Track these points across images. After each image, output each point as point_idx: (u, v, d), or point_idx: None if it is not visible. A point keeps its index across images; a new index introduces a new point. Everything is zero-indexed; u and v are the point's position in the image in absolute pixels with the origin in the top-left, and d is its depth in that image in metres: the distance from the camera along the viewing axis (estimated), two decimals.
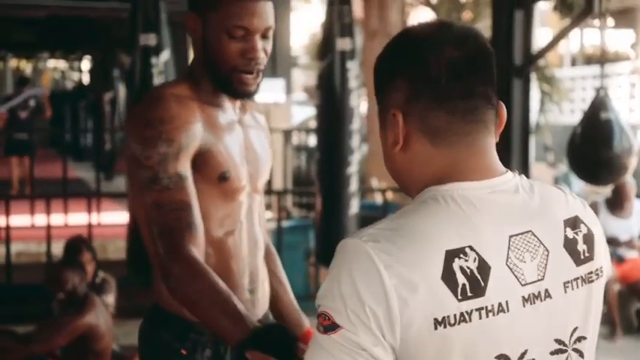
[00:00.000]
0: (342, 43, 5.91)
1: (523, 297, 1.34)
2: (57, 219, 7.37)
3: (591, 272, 1.43)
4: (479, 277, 1.31)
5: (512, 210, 1.38)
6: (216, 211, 2.09)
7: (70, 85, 28.46)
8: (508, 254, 1.34)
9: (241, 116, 2.18)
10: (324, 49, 6.01)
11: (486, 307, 1.30)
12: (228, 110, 2.14)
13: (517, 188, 1.41)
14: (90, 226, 7.18)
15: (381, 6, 10.86)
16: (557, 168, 12.24)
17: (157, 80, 5.45)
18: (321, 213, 6.03)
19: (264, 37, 2.08)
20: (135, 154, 2.00)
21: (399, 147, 1.41)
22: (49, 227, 6.92)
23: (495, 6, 6.35)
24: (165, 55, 5.49)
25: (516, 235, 1.36)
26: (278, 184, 9.49)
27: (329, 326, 1.29)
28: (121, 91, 16.31)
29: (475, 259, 1.31)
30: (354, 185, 6.05)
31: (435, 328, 1.28)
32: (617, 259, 7.01)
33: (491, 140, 1.43)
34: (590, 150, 5.49)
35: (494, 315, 1.31)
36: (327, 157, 6.08)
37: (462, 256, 1.31)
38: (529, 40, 6.19)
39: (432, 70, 1.37)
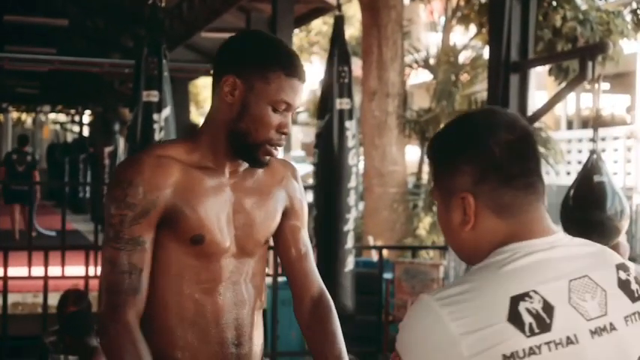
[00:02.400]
0: (341, 103, 6.02)
1: (590, 330, 1.51)
2: (54, 270, 7.39)
3: None
4: (544, 315, 1.48)
5: (568, 259, 1.57)
6: (192, 270, 2.15)
7: (70, 138, 28.61)
8: (569, 295, 1.52)
9: (236, 180, 2.22)
10: (323, 108, 6.11)
11: (554, 341, 1.47)
12: (219, 174, 2.19)
13: (570, 243, 1.61)
14: (87, 277, 7.21)
15: (380, 67, 11.01)
16: None
17: (158, 136, 5.54)
18: (318, 269, 6.07)
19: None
20: (105, 209, 2.13)
21: (469, 226, 1.57)
22: (46, 278, 6.95)
23: (491, 69, 6.47)
24: (167, 111, 5.58)
25: (575, 279, 1.54)
26: None
27: None
28: (121, 144, 16.46)
29: (539, 300, 1.49)
30: (350, 242, 6.11)
31: None
32: None
33: (544, 208, 1.62)
34: (583, 212, 5.55)
35: (563, 347, 1.48)
36: (324, 214, 6.15)
37: (526, 299, 1.48)
38: (525, 104, 6.29)
39: (495, 155, 1.55)
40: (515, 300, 1.47)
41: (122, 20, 14.67)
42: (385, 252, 8.18)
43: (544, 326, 1.47)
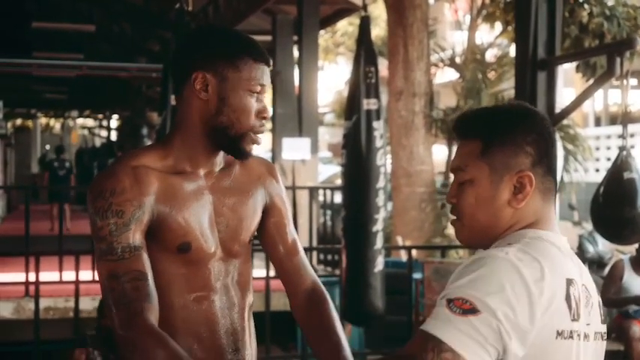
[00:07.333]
0: (368, 103, 6.01)
1: (585, 333, 1.60)
2: (86, 275, 7.44)
3: (606, 332, 1.70)
4: (580, 305, 1.59)
5: (573, 261, 1.66)
6: (181, 278, 2.10)
7: (98, 142, 28.79)
8: (587, 295, 1.63)
9: (214, 182, 2.18)
10: (351, 109, 6.11)
11: (578, 332, 1.58)
12: (196, 177, 2.14)
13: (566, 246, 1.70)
14: None
15: (407, 66, 10.99)
16: (582, 226, 12.22)
17: None
18: (347, 270, 6.08)
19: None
20: (91, 225, 2.04)
21: (523, 203, 1.64)
22: (77, 283, 6.99)
23: (518, 67, 6.44)
24: None
25: (583, 284, 1.65)
26: (304, 241, 9.50)
27: (470, 310, 1.50)
28: None
29: (578, 290, 1.60)
30: (379, 243, 6.10)
31: (556, 338, 1.54)
32: None
33: None
34: (613, 209, 5.52)
35: (579, 340, 1.58)
36: (353, 215, 6.15)
37: (573, 284, 1.59)
38: (552, 101, 6.26)
39: (549, 142, 1.67)
40: (569, 282, 1.57)
41: (148, 24, 14.75)
42: (414, 252, 8.17)
43: (578, 315, 1.57)
